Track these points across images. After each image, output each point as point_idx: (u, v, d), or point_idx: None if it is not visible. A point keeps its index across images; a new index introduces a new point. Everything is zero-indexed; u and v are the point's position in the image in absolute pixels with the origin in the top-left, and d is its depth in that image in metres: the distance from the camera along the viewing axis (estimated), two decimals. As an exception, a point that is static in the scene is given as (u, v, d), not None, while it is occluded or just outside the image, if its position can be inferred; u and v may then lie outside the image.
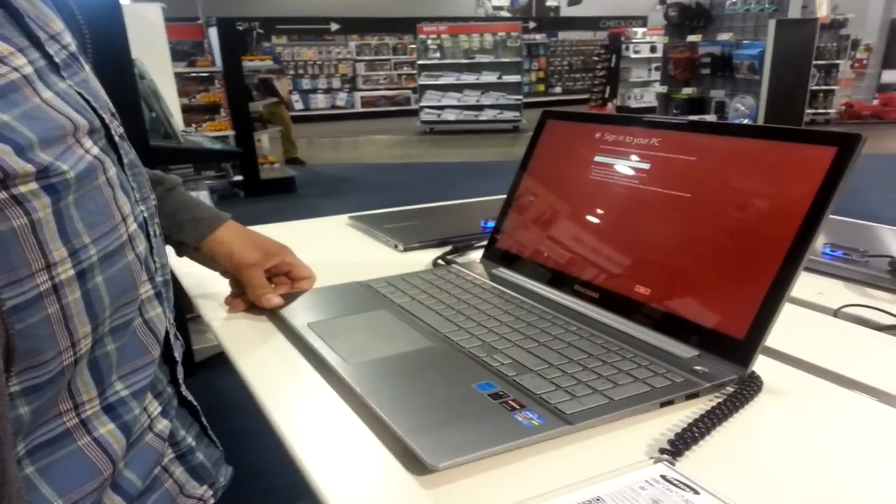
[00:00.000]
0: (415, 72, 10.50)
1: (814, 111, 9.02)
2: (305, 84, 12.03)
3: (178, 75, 4.33)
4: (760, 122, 3.89)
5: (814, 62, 6.15)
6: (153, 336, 0.55)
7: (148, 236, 0.56)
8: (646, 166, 0.75)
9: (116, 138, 0.53)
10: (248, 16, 9.55)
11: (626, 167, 0.77)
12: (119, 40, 2.12)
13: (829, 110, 9.39)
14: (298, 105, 11.93)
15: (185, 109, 4.70)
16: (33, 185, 0.40)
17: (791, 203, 0.60)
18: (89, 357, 0.47)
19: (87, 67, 0.54)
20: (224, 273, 0.84)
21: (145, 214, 0.57)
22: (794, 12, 3.92)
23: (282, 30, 11.48)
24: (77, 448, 0.48)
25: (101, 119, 0.50)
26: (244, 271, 0.80)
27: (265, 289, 0.80)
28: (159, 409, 0.57)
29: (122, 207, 0.50)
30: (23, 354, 0.40)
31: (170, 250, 0.84)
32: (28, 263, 0.40)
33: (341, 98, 12.34)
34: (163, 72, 3.65)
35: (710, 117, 4.27)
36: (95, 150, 0.47)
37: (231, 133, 5.28)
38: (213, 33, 5.18)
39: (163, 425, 0.57)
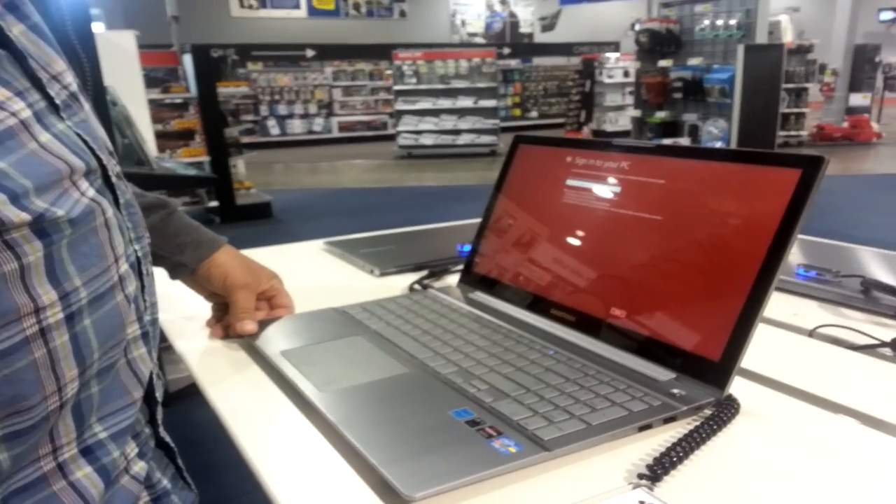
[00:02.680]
0: (391, 97, 10.56)
1: (786, 133, 9.21)
2: (282, 110, 12.03)
3: (151, 102, 4.31)
4: (734, 144, 3.96)
5: (784, 86, 6.30)
6: (135, 377, 0.54)
7: (140, 275, 0.55)
8: (617, 189, 0.75)
9: (113, 178, 0.52)
10: (223, 42, 9.56)
11: (597, 191, 0.78)
12: (92, 68, 2.11)
13: (801, 132, 9.60)
14: (275, 130, 11.92)
15: (160, 136, 4.68)
16: (25, 231, 0.39)
17: (759, 224, 0.60)
18: (74, 401, 0.46)
19: (87, 106, 0.53)
20: (210, 297, 0.85)
21: (139, 254, 0.56)
22: (762, 38, 4.01)
23: (257, 56, 11.50)
24: (52, 493, 0.46)
25: (99, 160, 0.49)
26: (235, 292, 0.81)
27: (247, 313, 0.81)
28: (136, 450, 0.56)
29: (116, 248, 0.49)
30: (7, 400, 0.39)
31: (162, 274, 0.83)
32: (16, 308, 0.39)
33: (318, 123, 12.35)
34: (136, 98, 3.64)
35: (685, 140, 4.34)
36: (91, 192, 0.46)
37: (206, 159, 5.25)
38: (187, 60, 5.18)
39: (139, 467, 0.56)
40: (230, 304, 0.81)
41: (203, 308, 0.86)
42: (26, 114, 0.43)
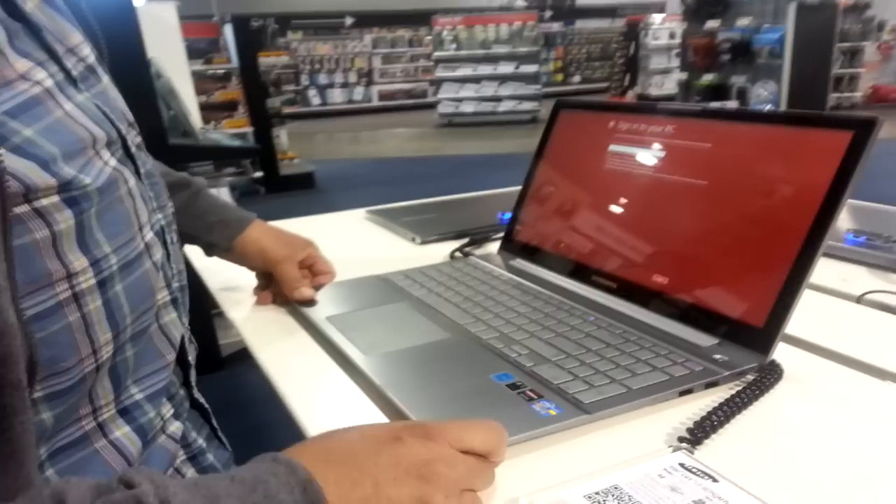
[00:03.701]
0: (431, 64, 10.48)
1: (839, 95, 8.86)
2: (322, 79, 12.06)
3: (194, 73, 4.36)
4: (783, 107, 3.84)
5: (838, 45, 6.03)
6: (168, 341, 0.56)
7: (165, 244, 0.57)
8: (661, 154, 0.74)
9: (133, 149, 0.54)
10: (262, 12, 9.60)
11: (640, 156, 0.77)
12: (134, 41, 2.14)
13: (854, 94, 9.21)
14: (316, 100, 11.96)
15: (203, 107, 4.74)
16: (55, 199, 0.41)
17: (808, 189, 0.59)
18: (110, 364, 0.48)
19: (105, 78, 0.54)
20: (253, 268, 0.87)
21: (162, 223, 0.58)
22: (815, -6, 3.86)
23: (297, 25, 11.51)
24: (94, 450, 0.49)
25: (118, 131, 0.51)
26: (277, 266, 0.83)
27: (298, 282, 0.83)
28: (172, 411, 0.58)
29: (141, 217, 0.51)
30: (46, 362, 0.41)
31: (199, 251, 0.86)
32: (49, 274, 0.41)
33: (358, 92, 12.35)
34: (179, 70, 3.68)
35: (733, 103, 4.22)
36: (113, 162, 0.48)
37: (249, 129, 5.31)
38: (228, 30, 5.22)
39: (175, 427, 0.58)
40: (277, 278, 0.83)
41: (248, 277, 0.88)
42: (49, 82, 0.44)
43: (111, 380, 0.49)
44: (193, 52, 4.67)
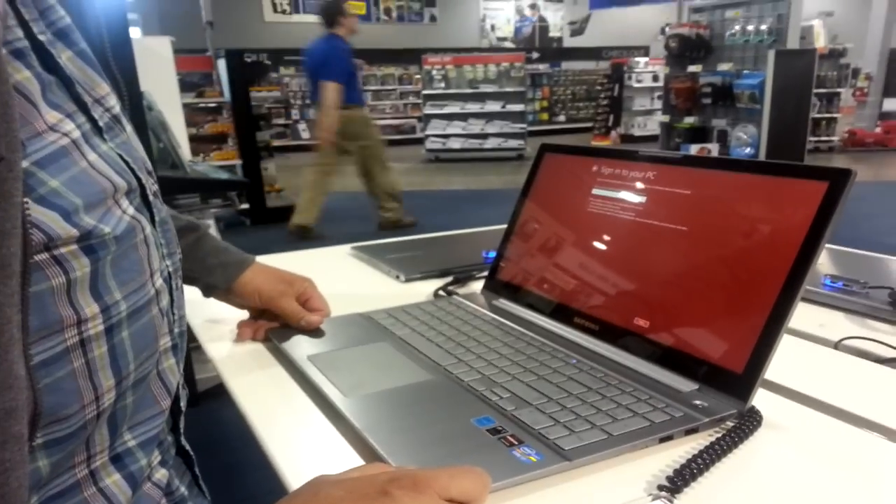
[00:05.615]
0: (420, 101, 10.60)
1: (817, 139, 9.06)
2: (313, 113, 12.16)
3: (186, 106, 4.39)
4: (763, 150, 3.91)
5: (815, 91, 6.19)
6: (165, 388, 0.56)
7: (170, 290, 0.57)
8: (642, 199, 0.76)
9: (151, 197, 0.54)
10: (256, 47, 9.70)
11: (623, 200, 0.78)
12: (128, 75, 2.16)
13: (832, 138, 9.42)
14: (305, 134, 12.04)
15: (193, 139, 4.76)
16: (74, 247, 0.41)
17: (785, 237, 0.60)
18: (111, 411, 0.48)
19: (129, 128, 0.55)
20: (250, 308, 0.88)
21: (170, 269, 0.58)
22: (793, 43, 3.94)
23: (289, 60, 11.64)
24: (83, 499, 0.48)
25: (138, 179, 0.51)
26: (276, 303, 0.84)
27: (301, 313, 0.84)
28: (159, 457, 0.58)
29: (153, 264, 0.51)
30: (49, 409, 0.40)
31: (197, 291, 0.86)
32: (60, 320, 0.41)
33: (347, 127, 12.45)
34: (171, 103, 3.70)
35: (713, 146, 4.29)
36: (131, 210, 0.48)
37: (238, 162, 5.33)
38: (221, 64, 5.27)
39: (161, 474, 0.57)
40: (279, 314, 0.85)
41: (230, 312, 0.88)
42: (76, 134, 0.45)
43: (108, 427, 0.48)
44: (186, 85, 4.70)
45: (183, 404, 0.63)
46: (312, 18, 12.25)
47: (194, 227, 0.85)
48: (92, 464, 0.48)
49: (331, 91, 4.45)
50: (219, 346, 0.82)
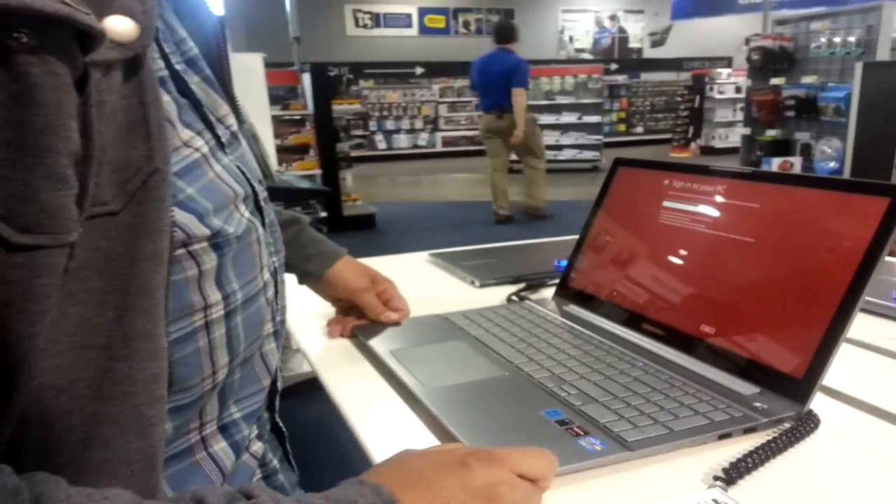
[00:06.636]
0: (496, 113, 10.66)
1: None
2: (390, 125, 12.41)
3: (272, 118, 4.60)
4: (848, 164, 3.77)
5: (911, 103, 5.86)
6: (266, 368, 0.64)
7: (276, 283, 0.65)
8: (711, 212, 0.79)
9: (262, 202, 0.62)
10: (338, 61, 10.01)
11: (692, 212, 0.81)
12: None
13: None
14: (382, 144, 12.31)
15: (278, 150, 4.97)
16: (205, 244, 0.50)
17: (846, 250, 0.63)
18: (222, 385, 0.56)
19: (244, 142, 0.64)
20: (335, 301, 0.96)
21: (276, 265, 0.66)
22: (883, 55, 3.80)
23: (369, 74, 11.94)
24: (195, 461, 0.56)
25: (253, 188, 0.60)
26: (359, 296, 0.91)
27: (381, 308, 0.91)
28: (256, 431, 0.65)
29: (263, 259, 0.60)
30: (177, 379, 0.49)
31: (291, 278, 0.95)
32: (192, 305, 0.50)
33: (423, 138, 12.64)
34: (261, 116, 3.90)
35: (796, 160, 4.17)
36: (248, 214, 0.57)
37: (318, 172, 5.52)
38: (306, 78, 5.48)
39: (257, 447, 0.65)
40: (360, 306, 0.92)
41: (321, 310, 0.96)
42: (205, 149, 0.53)
43: (219, 399, 0.57)
44: (273, 98, 4.92)
45: (280, 385, 0.71)
46: (392, 32, 12.54)
47: (297, 220, 0.93)
48: (203, 431, 0.56)
49: (524, 96, 5.40)
50: (311, 343, 0.90)
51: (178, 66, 0.55)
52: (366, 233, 5.96)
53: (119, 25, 0.39)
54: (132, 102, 0.42)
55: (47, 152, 0.34)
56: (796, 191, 0.71)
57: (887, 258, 1.07)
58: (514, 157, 6.18)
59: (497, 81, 5.42)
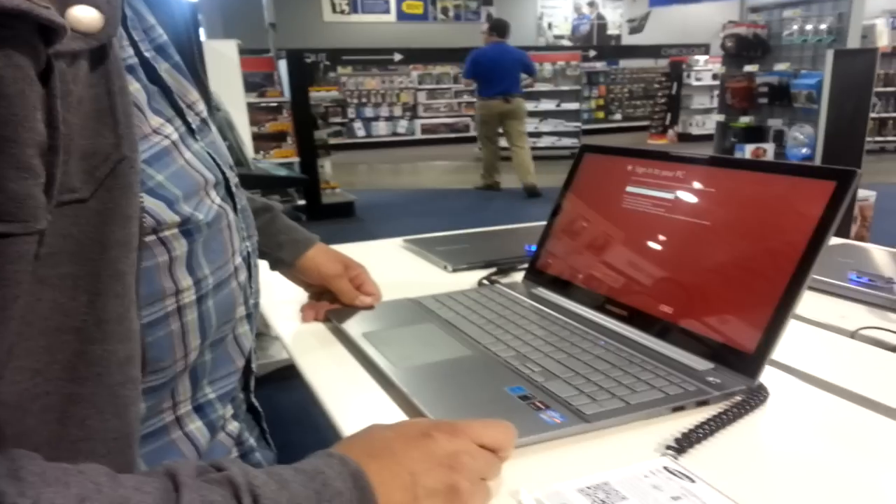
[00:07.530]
0: (474, 100, 10.67)
1: (883, 139, 8.75)
2: (368, 112, 12.36)
3: (248, 105, 4.57)
4: (820, 150, 3.84)
5: (881, 90, 5.94)
6: (240, 350, 0.66)
7: (249, 267, 0.67)
8: (671, 196, 0.82)
9: (233, 188, 0.64)
10: (315, 47, 9.93)
11: (653, 197, 0.84)
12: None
13: (898, 138, 9.08)
14: (361, 132, 12.26)
15: (254, 137, 4.94)
16: (175, 231, 0.51)
17: (796, 231, 0.66)
18: (193, 366, 0.58)
19: (214, 129, 0.65)
20: (307, 287, 0.98)
21: (249, 249, 0.67)
22: (854, 42, 3.86)
23: (347, 60, 11.86)
24: (171, 440, 0.58)
25: (223, 173, 0.61)
26: (332, 281, 0.93)
27: (354, 293, 0.93)
28: (231, 411, 0.67)
29: (234, 244, 0.61)
30: (150, 361, 0.51)
31: (264, 264, 0.96)
32: (163, 290, 0.51)
33: (402, 125, 12.61)
34: (236, 103, 3.88)
35: (769, 146, 4.23)
36: (218, 200, 0.58)
37: (296, 159, 5.50)
38: (282, 65, 5.44)
39: (233, 426, 0.67)
40: (335, 292, 0.93)
41: (295, 295, 0.97)
42: (175, 136, 0.54)
43: (190, 380, 0.58)
44: (249, 86, 4.89)
45: (254, 366, 0.72)
46: (370, 18, 12.45)
47: (269, 207, 0.95)
48: (178, 410, 0.58)
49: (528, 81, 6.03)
50: (286, 328, 0.92)
51: (147, 54, 0.56)
52: (345, 221, 5.95)
53: (83, 15, 0.40)
54: (99, 91, 0.43)
55: (13, 143, 0.35)
56: (751, 175, 0.74)
57: (846, 241, 1.12)
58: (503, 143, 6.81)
59: (511, 69, 6.22)
